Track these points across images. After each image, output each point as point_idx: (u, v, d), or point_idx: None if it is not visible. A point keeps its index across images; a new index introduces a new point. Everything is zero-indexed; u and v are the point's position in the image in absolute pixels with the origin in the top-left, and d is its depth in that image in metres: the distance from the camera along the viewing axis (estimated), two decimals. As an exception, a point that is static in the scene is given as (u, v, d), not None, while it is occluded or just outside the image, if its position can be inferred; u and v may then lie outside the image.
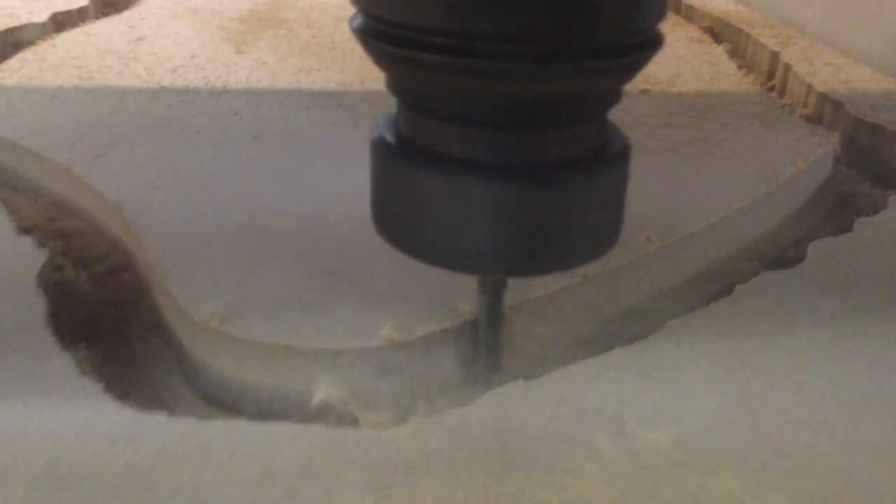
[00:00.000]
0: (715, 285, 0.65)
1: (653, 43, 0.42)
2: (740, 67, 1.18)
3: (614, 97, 0.44)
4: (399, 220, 0.45)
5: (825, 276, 0.60)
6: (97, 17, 1.27)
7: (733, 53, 1.26)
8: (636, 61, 0.41)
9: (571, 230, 0.43)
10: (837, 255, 0.63)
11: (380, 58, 0.42)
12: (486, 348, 0.53)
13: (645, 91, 1.00)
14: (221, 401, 0.54)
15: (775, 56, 1.14)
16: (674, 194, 0.72)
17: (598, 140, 0.44)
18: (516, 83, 0.39)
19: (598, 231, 0.45)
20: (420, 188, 0.43)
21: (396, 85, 0.44)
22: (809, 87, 1.04)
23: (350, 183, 0.72)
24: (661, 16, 0.41)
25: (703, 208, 0.68)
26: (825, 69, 1.10)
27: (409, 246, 0.46)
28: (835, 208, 0.81)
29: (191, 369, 0.56)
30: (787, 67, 1.12)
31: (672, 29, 1.34)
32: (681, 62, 1.15)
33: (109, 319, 0.63)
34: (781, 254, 0.72)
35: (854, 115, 0.93)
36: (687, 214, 0.68)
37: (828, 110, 0.99)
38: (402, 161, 0.44)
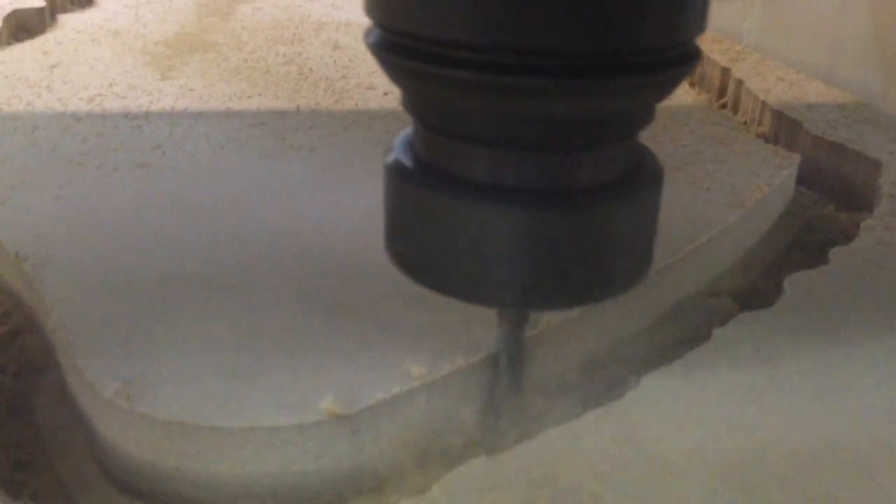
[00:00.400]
0: (687, 326, 0.60)
1: (694, 56, 0.39)
2: (691, 85, 1.14)
3: (648, 116, 0.41)
4: (415, 250, 0.42)
5: (807, 315, 0.55)
6: (9, 43, 1.18)
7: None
8: (680, 74, 0.39)
9: (602, 259, 0.41)
10: (816, 291, 0.58)
11: (397, 74, 0.40)
12: (507, 384, 0.49)
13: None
14: (138, 489, 0.46)
15: (726, 72, 1.11)
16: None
17: (630, 164, 0.42)
18: (550, 101, 0.36)
19: (628, 261, 0.42)
20: (439, 215, 0.40)
21: (414, 104, 0.42)
22: (764, 105, 1.00)
23: (288, 221, 0.66)
24: (702, 28, 0.39)
25: (670, 240, 0.63)
26: (778, 85, 1.07)
27: (425, 277, 0.43)
28: (801, 234, 0.77)
29: (102, 452, 0.48)
30: (739, 84, 1.09)
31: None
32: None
33: (9, 391, 0.55)
34: (752, 286, 0.67)
35: (813, 134, 0.89)
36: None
37: (784, 128, 0.96)
38: (420, 186, 0.41)
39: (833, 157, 0.88)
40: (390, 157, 0.44)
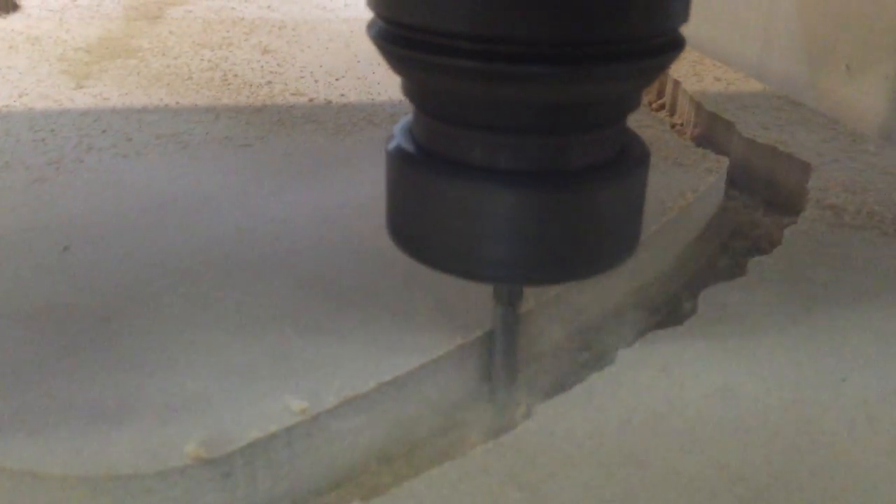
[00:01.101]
0: (596, 345, 0.57)
1: (679, 44, 0.42)
2: (628, 86, 1.12)
3: (635, 102, 0.43)
4: (415, 230, 0.45)
5: (717, 331, 0.53)
6: (-79, 52, 1.13)
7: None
8: (665, 62, 0.41)
9: (592, 237, 0.43)
10: (730, 306, 0.56)
11: (398, 64, 0.42)
12: (501, 361, 0.50)
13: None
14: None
15: (664, 73, 1.09)
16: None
17: (618, 146, 0.44)
18: (543, 88, 0.39)
19: (617, 238, 0.44)
20: (438, 196, 0.42)
21: (414, 92, 0.44)
22: (699, 106, 0.98)
23: (186, 246, 0.62)
24: (685, 18, 0.41)
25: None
26: (715, 85, 1.05)
27: (425, 255, 0.45)
28: (728, 241, 0.75)
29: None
30: (677, 84, 1.07)
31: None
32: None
33: None
34: (672, 299, 0.65)
35: (746, 137, 0.87)
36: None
37: (718, 130, 0.94)
38: (420, 169, 0.43)
39: (765, 160, 0.86)
40: (392, 144, 0.46)
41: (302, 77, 1.06)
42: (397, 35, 0.40)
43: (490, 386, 0.51)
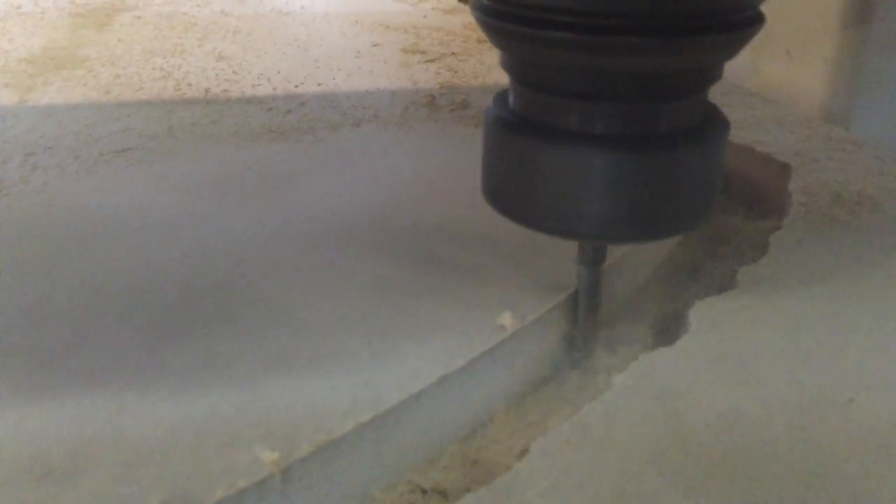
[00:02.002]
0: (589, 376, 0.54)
1: (761, 19, 0.46)
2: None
3: (718, 73, 0.48)
4: (510, 191, 0.49)
5: (712, 349, 0.50)
6: None
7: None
8: (749, 35, 0.45)
9: (675, 199, 0.47)
10: (722, 325, 0.53)
11: (500, 38, 0.46)
12: (584, 323, 0.55)
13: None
14: None
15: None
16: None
17: (702, 115, 0.48)
18: (638, 60, 0.43)
19: (697, 201, 0.48)
20: (537, 160, 0.47)
21: (513, 64, 0.48)
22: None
23: (130, 270, 0.57)
24: None
25: (557, 277, 0.57)
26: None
27: (518, 214, 0.49)
28: (711, 247, 0.72)
29: None
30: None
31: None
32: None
33: None
34: (662, 312, 0.62)
35: (720, 137, 0.85)
36: (547, 287, 0.57)
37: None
38: (520, 136, 0.47)
39: (742, 161, 0.83)
40: (490, 113, 0.50)
41: (259, 84, 1.02)
42: (500, 10, 0.45)
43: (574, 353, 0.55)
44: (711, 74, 0.47)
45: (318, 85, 1.02)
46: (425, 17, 1.44)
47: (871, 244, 0.63)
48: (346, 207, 0.66)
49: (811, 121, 0.90)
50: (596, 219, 0.47)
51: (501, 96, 0.51)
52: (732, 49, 0.46)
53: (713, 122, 0.49)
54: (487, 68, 1.11)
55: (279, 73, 1.07)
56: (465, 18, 1.43)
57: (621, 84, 0.44)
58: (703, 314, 0.54)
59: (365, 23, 1.37)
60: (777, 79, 1.02)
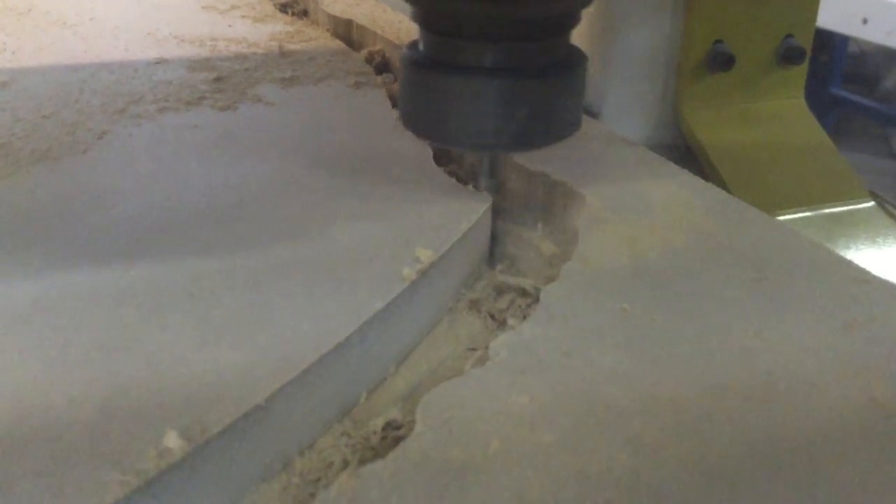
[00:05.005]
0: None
1: None
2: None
3: (577, 18, 0.64)
4: (424, 116, 0.66)
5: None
6: None
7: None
8: None
9: (551, 115, 0.64)
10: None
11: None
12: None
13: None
14: None
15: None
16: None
17: (565, 51, 0.66)
18: (516, 7, 0.60)
19: (567, 116, 0.66)
20: (442, 90, 0.63)
21: (421, 15, 0.63)
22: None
23: None
24: None
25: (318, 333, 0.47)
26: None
27: (429, 133, 0.67)
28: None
29: None
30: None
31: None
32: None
33: None
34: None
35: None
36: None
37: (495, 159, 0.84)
38: (427, 70, 0.64)
39: (540, 189, 0.76)
40: (405, 57, 0.65)
41: (3, 111, 0.88)
42: None
43: None
44: (572, 20, 0.64)
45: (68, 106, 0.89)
46: (230, 26, 1.32)
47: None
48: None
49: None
50: (492, 132, 0.62)
51: (413, 44, 0.66)
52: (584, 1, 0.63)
53: (575, 56, 0.66)
54: (259, 82, 1.00)
55: (31, 99, 0.93)
56: (275, 27, 1.31)
57: (505, 27, 0.60)
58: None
59: (158, 35, 1.24)
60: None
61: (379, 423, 0.49)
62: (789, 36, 1.08)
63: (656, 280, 0.59)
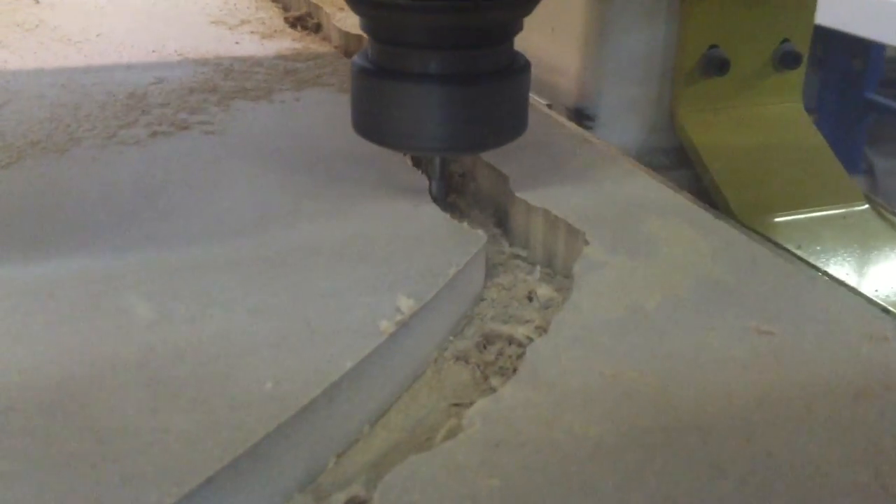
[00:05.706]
0: None
1: None
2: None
3: (519, 27, 0.67)
4: (373, 121, 0.67)
5: None
6: None
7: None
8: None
9: (496, 120, 0.66)
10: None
11: (358, 7, 0.65)
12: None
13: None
14: None
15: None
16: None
17: (508, 58, 0.68)
18: (457, 18, 0.62)
19: (511, 121, 0.68)
20: (388, 96, 0.65)
21: (369, 26, 0.66)
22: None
23: None
24: None
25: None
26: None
27: (378, 138, 0.68)
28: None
29: None
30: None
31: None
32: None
33: None
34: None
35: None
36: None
37: (495, 183, 0.80)
38: (375, 78, 0.66)
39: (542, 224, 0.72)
40: (355, 65, 0.67)
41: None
42: None
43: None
44: (514, 28, 0.66)
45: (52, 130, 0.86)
46: (237, 43, 1.29)
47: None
48: None
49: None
50: (439, 137, 0.64)
51: (363, 53, 0.68)
52: (527, 9, 0.65)
53: (518, 64, 0.68)
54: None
55: (21, 124, 0.90)
56: (283, 44, 1.29)
57: (449, 36, 0.63)
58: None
59: (163, 52, 1.21)
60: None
61: (341, 498, 0.45)
62: (786, 41, 1.07)
63: (651, 336, 0.55)
